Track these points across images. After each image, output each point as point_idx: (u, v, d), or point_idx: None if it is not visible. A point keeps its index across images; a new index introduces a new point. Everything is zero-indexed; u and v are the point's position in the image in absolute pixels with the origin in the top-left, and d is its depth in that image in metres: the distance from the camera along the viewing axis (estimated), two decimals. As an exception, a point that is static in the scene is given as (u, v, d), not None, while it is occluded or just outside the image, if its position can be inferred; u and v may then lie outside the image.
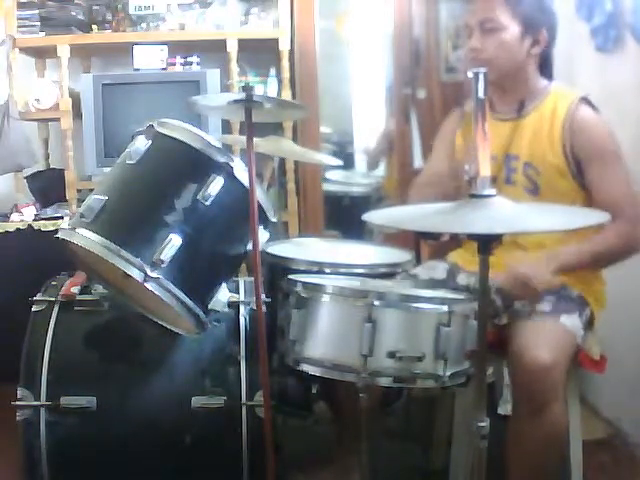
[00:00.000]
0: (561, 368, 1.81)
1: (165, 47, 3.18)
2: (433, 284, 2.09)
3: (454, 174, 2.13)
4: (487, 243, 1.40)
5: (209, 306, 1.88)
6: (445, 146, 2.24)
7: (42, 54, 3.41)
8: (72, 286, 2.11)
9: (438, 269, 2.19)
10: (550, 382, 1.77)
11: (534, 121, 2.03)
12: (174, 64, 3.22)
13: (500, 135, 2.04)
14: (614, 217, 1.89)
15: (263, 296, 1.87)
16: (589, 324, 2.01)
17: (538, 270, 1.88)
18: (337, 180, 4.39)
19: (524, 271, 1.86)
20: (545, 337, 1.82)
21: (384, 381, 1.69)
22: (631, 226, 1.95)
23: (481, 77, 1.44)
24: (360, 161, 4.70)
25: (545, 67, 2.07)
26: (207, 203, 1.82)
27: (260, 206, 1.88)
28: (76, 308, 2.05)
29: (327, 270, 2.25)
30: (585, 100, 2.01)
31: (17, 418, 1.92)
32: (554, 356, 1.79)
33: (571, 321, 1.91)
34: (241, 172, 1.87)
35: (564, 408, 1.85)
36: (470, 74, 1.45)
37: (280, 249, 2.43)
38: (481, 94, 1.44)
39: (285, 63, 3.24)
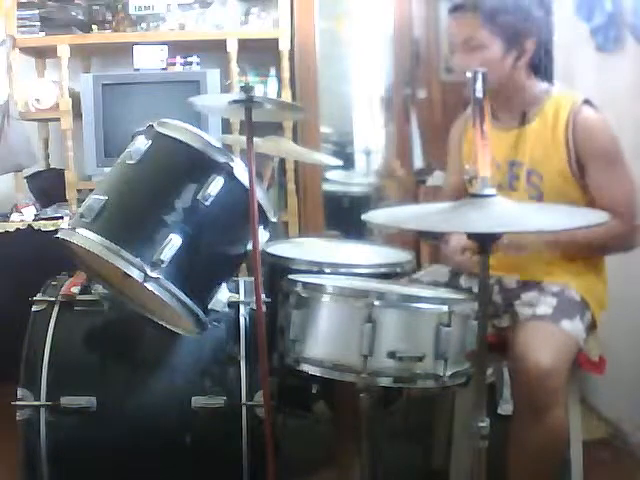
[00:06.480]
0: (563, 373, 1.81)
1: (165, 47, 3.18)
2: (435, 285, 2.10)
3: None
4: (487, 243, 1.40)
5: (209, 306, 1.88)
6: (455, 158, 2.25)
7: (42, 54, 3.41)
8: (72, 286, 2.10)
9: (440, 273, 2.19)
10: (552, 387, 1.77)
11: (537, 127, 2.02)
12: (174, 64, 3.23)
13: (504, 144, 2.03)
14: (612, 217, 1.89)
15: (263, 296, 1.87)
16: (591, 327, 2.01)
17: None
18: (337, 180, 4.38)
19: None
20: (547, 342, 1.82)
21: (384, 381, 1.69)
22: (626, 227, 1.94)
23: (479, 77, 1.44)
24: (360, 161, 4.70)
25: (540, 70, 2.04)
26: (207, 203, 1.82)
27: (260, 206, 1.88)
28: (76, 308, 2.05)
29: (327, 270, 2.25)
30: (587, 102, 2.00)
31: (17, 418, 1.92)
32: (556, 361, 1.79)
33: (573, 325, 1.91)
34: (241, 172, 1.87)
35: (565, 412, 1.85)
36: (468, 74, 1.45)
37: (280, 249, 2.43)
38: (479, 94, 1.44)
39: (285, 63, 3.24)
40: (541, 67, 2.04)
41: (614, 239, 1.96)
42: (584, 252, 2.03)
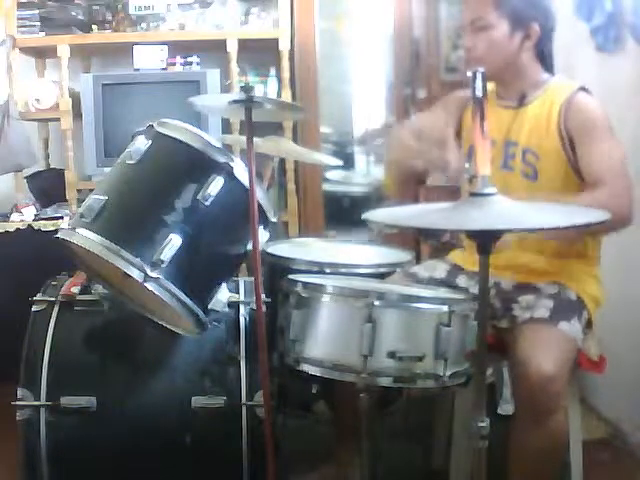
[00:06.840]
0: (564, 377, 1.81)
1: (165, 47, 3.18)
2: (432, 283, 2.09)
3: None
4: (487, 242, 1.40)
5: (209, 306, 1.88)
6: (437, 115, 2.22)
7: (42, 54, 3.41)
8: (72, 286, 2.10)
9: (438, 269, 2.19)
10: (554, 392, 1.77)
11: (534, 110, 2.04)
12: (174, 64, 3.23)
13: (501, 121, 2.05)
14: (596, 188, 1.87)
15: (263, 296, 1.87)
16: (587, 325, 2.01)
17: None
18: (337, 180, 4.40)
19: None
20: (547, 346, 1.82)
21: (384, 381, 1.69)
22: (609, 198, 1.86)
23: (479, 76, 1.44)
24: (360, 161, 4.70)
25: (545, 60, 2.07)
26: (207, 203, 1.82)
27: (260, 206, 1.88)
28: (76, 308, 2.05)
29: (327, 270, 2.25)
30: (583, 89, 2.02)
31: (17, 418, 1.92)
32: (558, 366, 1.78)
33: (571, 327, 1.90)
34: (241, 172, 1.87)
35: (565, 416, 1.84)
36: (468, 73, 1.45)
37: (280, 249, 2.43)
38: (479, 93, 1.44)
39: (285, 63, 3.24)
40: (547, 60, 2.07)
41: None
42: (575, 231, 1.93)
